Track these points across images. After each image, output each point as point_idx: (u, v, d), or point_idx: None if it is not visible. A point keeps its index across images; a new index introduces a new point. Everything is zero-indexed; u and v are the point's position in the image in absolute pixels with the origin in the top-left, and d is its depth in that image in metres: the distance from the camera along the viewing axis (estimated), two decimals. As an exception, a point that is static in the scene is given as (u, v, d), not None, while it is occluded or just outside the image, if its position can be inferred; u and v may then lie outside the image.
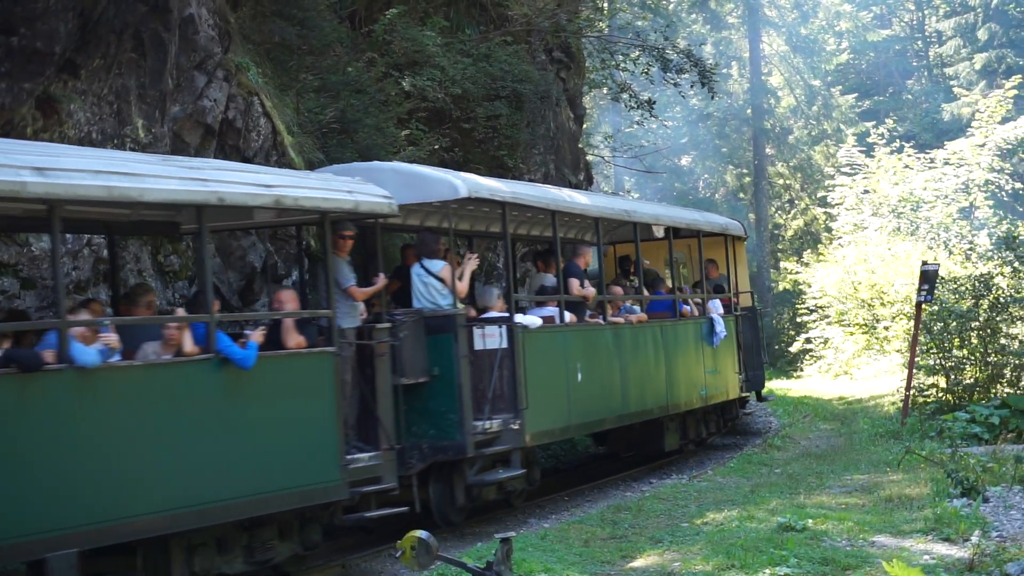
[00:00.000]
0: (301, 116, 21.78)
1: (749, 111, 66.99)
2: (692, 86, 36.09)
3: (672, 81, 34.85)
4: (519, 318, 18.87)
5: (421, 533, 12.98)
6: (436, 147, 24.53)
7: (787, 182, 67.80)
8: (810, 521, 16.12)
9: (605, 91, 41.62)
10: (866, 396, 36.30)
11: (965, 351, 28.66)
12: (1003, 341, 28.64)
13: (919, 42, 77.02)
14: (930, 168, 50.45)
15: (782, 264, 60.88)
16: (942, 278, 29.78)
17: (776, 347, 55.07)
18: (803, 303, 50.00)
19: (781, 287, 60.10)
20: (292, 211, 15.15)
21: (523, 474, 18.74)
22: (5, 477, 11.23)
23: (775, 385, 43.14)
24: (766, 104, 66.54)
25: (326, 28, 23.15)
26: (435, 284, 17.81)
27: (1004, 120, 51.32)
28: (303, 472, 14.43)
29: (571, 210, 21.44)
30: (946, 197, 48.89)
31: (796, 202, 67.09)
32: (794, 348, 51.38)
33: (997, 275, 30.07)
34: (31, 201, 12.06)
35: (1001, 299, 28.85)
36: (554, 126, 30.71)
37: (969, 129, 53.62)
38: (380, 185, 16.36)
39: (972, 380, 28.26)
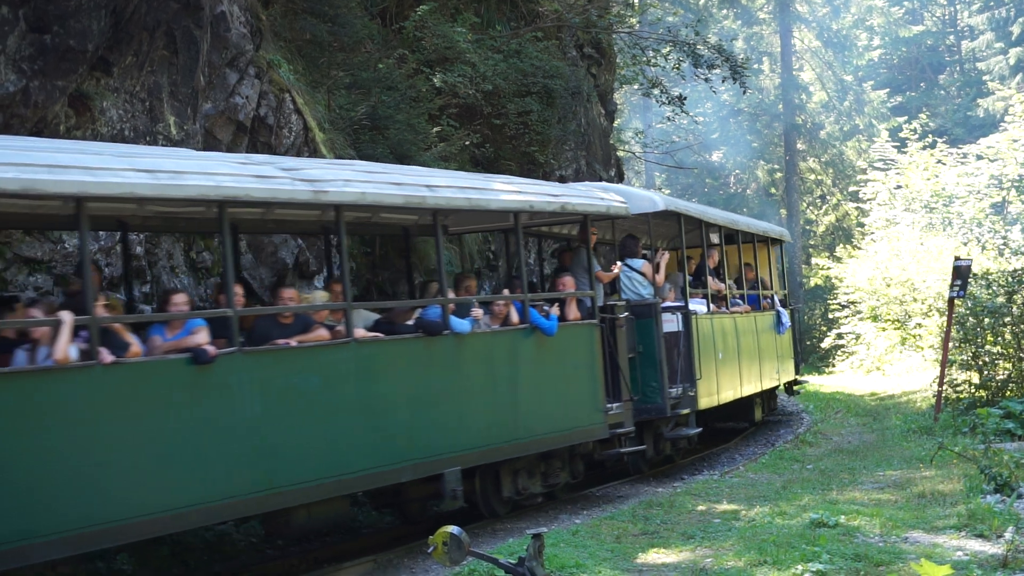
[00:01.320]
0: (332, 113, 21.82)
1: (780, 106, 66.87)
2: (723, 81, 35.99)
3: (703, 76, 34.74)
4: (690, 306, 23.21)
5: (453, 529, 13.00)
6: (467, 143, 24.56)
7: (819, 178, 67.68)
8: (842, 517, 16.07)
9: (636, 87, 41.55)
10: (898, 392, 36.20)
11: (999, 347, 28.55)
12: (1036, 337, 28.53)
13: (951, 37, 76.76)
14: (962, 163, 50.31)
15: (813, 260, 60.77)
16: (975, 274, 29.64)
17: (808, 343, 54.99)
18: (835, 298, 49.90)
19: (812, 283, 59.99)
20: (566, 214, 19.55)
21: (699, 431, 23.21)
22: (421, 411, 15.77)
23: (807, 380, 43.05)
24: (797, 99, 66.40)
25: (357, 25, 23.18)
26: (637, 277, 21.99)
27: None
28: (580, 415, 18.98)
29: (711, 220, 25.71)
30: (979, 192, 48.74)
31: (828, 198, 66.96)
32: (826, 344, 51.21)
33: (1031, 270, 29.95)
34: (424, 211, 16.83)
35: (1035, 294, 28.72)
36: (585, 122, 30.70)
37: (1002, 124, 53.44)
38: None
39: (1005, 376, 28.15)
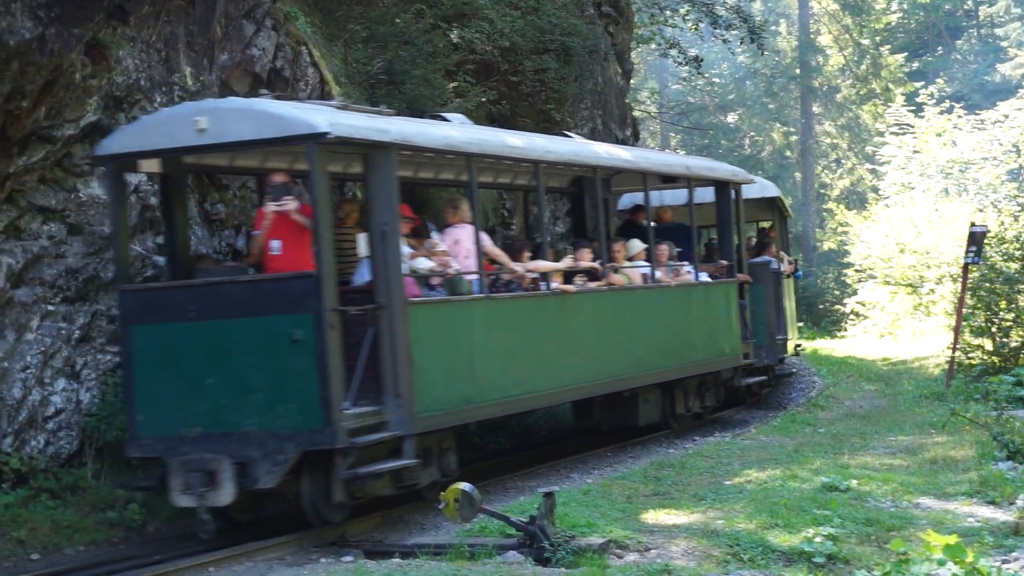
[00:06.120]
0: (349, 66, 21.72)
1: (797, 69, 66.61)
2: (741, 42, 35.85)
3: (721, 37, 34.59)
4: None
5: (464, 486, 12.99)
6: (483, 100, 24.48)
7: (834, 141, 67.46)
8: (854, 481, 16.05)
9: (653, 47, 41.40)
10: (911, 357, 36.13)
11: (1013, 313, 28.44)
12: (1051, 304, 28.41)
13: (969, 2, 76.31)
14: (979, 129, 50.11)
15: (830, 206, 60.73)
16: (990, 238, 29.46)
17: (821, 307, 54.89)
18: (850, 264, 49.76)
19: (826, 246, 59.87)
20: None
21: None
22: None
23: (820, 344, 43.01)
24: (814, 62, 66.13)
25: (375, -22, 23.09)
26: None
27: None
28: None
29: None
30: (995, 158, 48.56)
31: (843, 161, 66.75)
32: (848, 308, 50.77)
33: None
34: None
35: (1050, 261, 28.60)
36: (602, 81, 30.55)
37: (1020, 90, 53.21)
38: None
39: (1019, 342, 28.06)
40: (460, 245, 17.04)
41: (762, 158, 67.81)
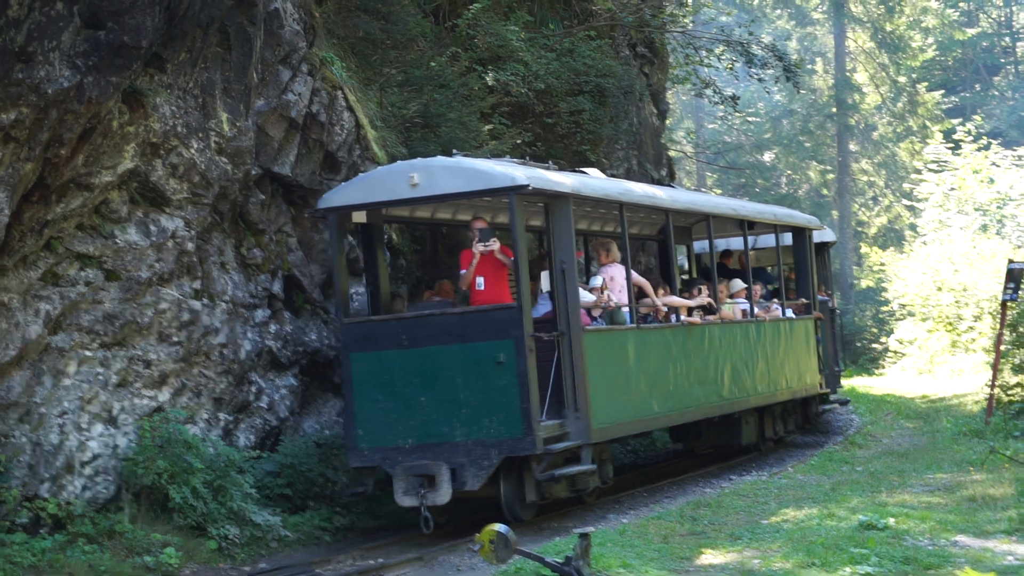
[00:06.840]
0: (384, 110, 21.84)
1: (834, 107, 66.52)
2: (776, 81, 35.87)
3: (757, 76, 34.61)
4: None
5: (500, 527, 13.01)
6: (519, 142, 24.55)
7: (871, 179, 67.30)
8: (892, 520, 15.97)
9: (688, 87, 41.44)
10: (949, 395, 35.96)
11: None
12: (1090, 341, 28.21)
13: (1007, 39, 76.17)
14: (1017, 166, 49.97)
15: (864, 250, 60.45)
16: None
17: (858, 344, 54.68)
18: (888, 305, 49.56)
19: (864, 284, 59.67)
20: None
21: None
22: None
23: (857, 382, 42.83)
24: (851, 100, 66.01)
25: (410, 23, 23.20)
26: None
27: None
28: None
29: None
30: (1033, 195, 48.45)
31: (880, 199, 66.58)
32: (891, 346, 50.53)
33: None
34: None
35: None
36: (637, 121, 30.62)
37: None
38: None
39: (1059, 380, 27.89)
40: (615, 281, 19.68)
41: (799, 196, 67.69)
